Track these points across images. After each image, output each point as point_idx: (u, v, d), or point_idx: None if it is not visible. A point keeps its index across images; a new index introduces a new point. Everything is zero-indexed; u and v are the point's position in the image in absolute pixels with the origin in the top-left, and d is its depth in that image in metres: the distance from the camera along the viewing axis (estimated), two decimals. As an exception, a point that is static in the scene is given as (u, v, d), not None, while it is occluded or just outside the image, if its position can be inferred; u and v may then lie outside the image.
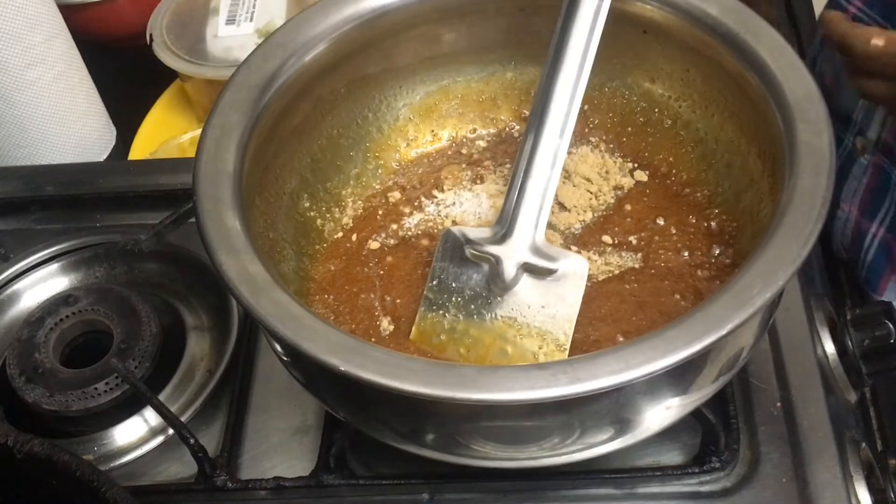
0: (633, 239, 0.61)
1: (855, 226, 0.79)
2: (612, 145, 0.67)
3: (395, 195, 0.66)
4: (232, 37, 0.91)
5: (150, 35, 0.91)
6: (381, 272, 0.62)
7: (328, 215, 0.65)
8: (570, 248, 0.61)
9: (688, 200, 0.63)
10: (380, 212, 0.65)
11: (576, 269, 0.56)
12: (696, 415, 0.55)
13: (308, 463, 0.61)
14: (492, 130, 0.69)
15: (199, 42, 0.91)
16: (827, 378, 0.62)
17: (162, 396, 0.65)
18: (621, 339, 0.56)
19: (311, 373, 0.54)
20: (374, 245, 0.64)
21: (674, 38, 0.60)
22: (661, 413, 0.51)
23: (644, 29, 0.61)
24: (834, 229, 0.82)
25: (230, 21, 0.92)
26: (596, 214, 0.63)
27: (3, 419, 0.65)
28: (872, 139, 0.75)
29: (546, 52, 0.57)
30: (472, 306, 0.57)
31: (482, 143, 0.69)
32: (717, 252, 0.59)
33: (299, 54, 0.59)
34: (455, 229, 0.59)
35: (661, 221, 0.62)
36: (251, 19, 0.92)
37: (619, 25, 0.60)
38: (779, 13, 0.96)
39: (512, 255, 0.56)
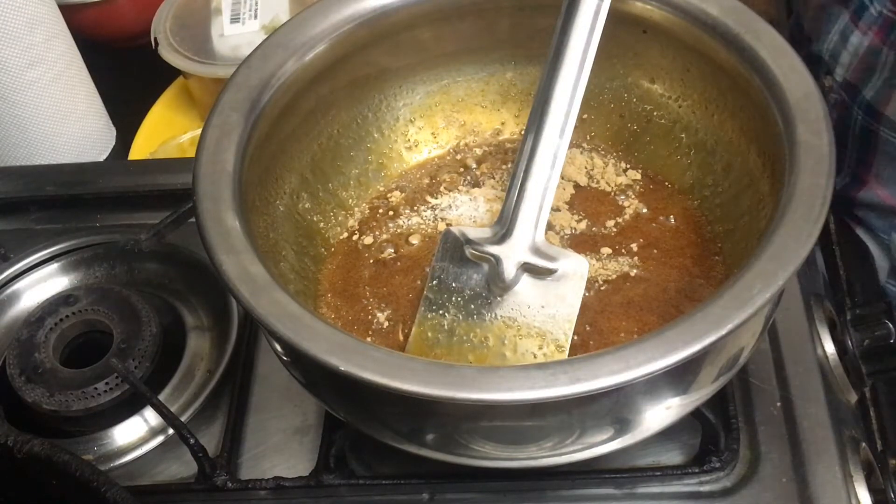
0: (631, 243, 0.61)
1: None
2: (611, 150, 0.67)
3: (395, 197, 0.66)
4: (239, 34, 0.91)
5: (155, 39, 0.91)
6: (381, 273, 0.62)
7: (329, 216, 0.65)
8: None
9: (686, 204, 0.63)
10: (380, 213, 0.65)
11: (576, 269, 0.56)
12: (696, 415, 0.55)
13: (308, 463, 0.61)
14: (491, 136, 0.69)
15: (206, 42, 0.91)
16: (827, 378, 0.62)
17: (162, 396, 0.65)
18: (619, 340, 0.56)
19: (311, 373, 0.54)
20: (374, 246, 0.64)
21: (674, 38, 0.60)
22: (661, 413, 0.51)
23: (644, 29, 0.61)
24: None
25: (234, 20, 0.92)
26: (593, 219, 0.63)
27: (3, 419, 0.65)
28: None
29: (546, 52, 0.58)
30: (472, 306, 0.57)
31: (479, 151, 0.69)
32: (715, 255, 0.59)
33: (299, 54, 0.59)
34: (455, 229, 0.59)
35: (659, 225, 0.62)
36: (255, 16, 0.92)
37: (619, 25, 0.60)
38: (779, 13, 0.96)
39: (512, 254, 0.56)
